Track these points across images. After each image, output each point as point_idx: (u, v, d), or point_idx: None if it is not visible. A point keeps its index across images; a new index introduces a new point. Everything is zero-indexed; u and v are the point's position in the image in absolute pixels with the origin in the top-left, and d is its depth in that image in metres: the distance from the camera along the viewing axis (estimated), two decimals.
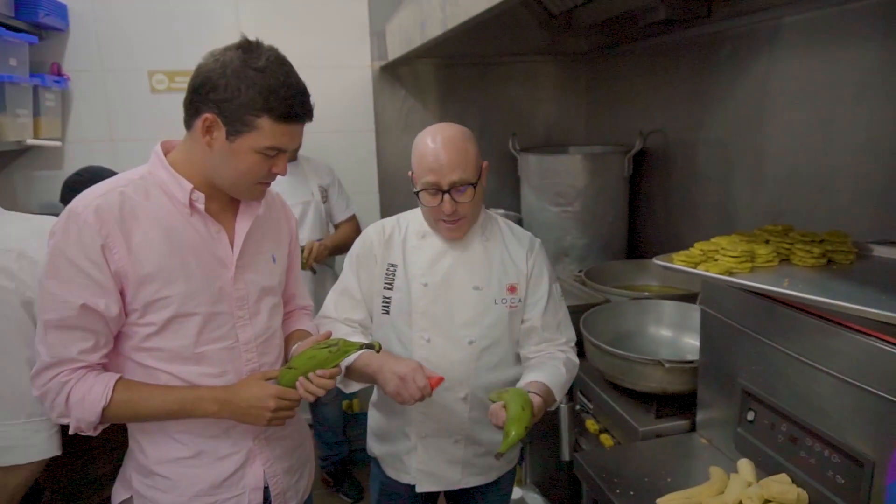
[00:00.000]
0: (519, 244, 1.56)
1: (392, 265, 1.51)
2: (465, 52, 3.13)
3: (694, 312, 1.94)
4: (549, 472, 2.27)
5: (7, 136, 2.33)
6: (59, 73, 2.75)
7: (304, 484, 1.45)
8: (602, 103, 3.23)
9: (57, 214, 1.22)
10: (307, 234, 2.56)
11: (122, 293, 1.16)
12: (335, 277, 2.67)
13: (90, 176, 2.02)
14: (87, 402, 1.15)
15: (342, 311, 1.53)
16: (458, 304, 1.49)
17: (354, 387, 1.48)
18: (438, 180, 1.40)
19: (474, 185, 1.43)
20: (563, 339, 1.57)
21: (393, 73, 3.15)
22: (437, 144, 1.41)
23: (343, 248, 2.66)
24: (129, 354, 1.22)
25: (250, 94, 1.12)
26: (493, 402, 1.34)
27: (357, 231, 2.73)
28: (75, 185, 2.02)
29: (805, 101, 1.90)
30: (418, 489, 1.56)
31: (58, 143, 2.74)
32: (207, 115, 1.14)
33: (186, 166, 1.21)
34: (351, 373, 1.44)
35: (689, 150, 2.52)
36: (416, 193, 1.46)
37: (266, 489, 1.33)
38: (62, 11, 2.69)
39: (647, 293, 2.30)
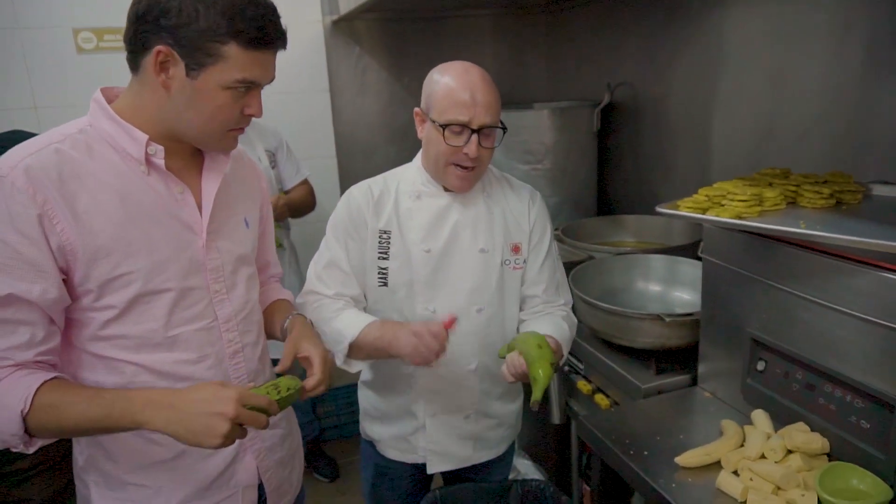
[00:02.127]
0: (518, 198, 1.45)
1: (385, 232, 1.36)
2: (417, 7, 2.95)
3: (682, 266, 1.90)
4: (538, 437, 2.21)
5: None
6: None
7: (297, 476, 1.32)
8: (564, 57, 3.12)
9: None
10: None
11: (66, 272, 0.97)
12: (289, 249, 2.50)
13: (16, 140, 1.79)
14: (5, 410, 0.92)
15: (331, 286, 1.37)
16: (464, 270, 1.37)
17: (358, 366, 1.34)
18: (470, 119, 1.26)
19: (503, 130, 1.31)
20: (561, 301, 1.49)
21: (346, 29, 2.95)
22: (473, 78, 1.27)
23: (299, 209, 2.48)
24: (84, 346, 1.02)
25: (211, 15, 0.93)
26: (504, 356, 1.24)
27: (312, 194, 2.56)
28: None
29: (774, 47, 1.86)
30: (430, 470, 1.46)
31: None
32: (160, 47, 0.94)
33: (137, 115, 1.01)
34: (359, 350, 1.29)
35: (658, 104, 2.46)
36: (437, 130, 1.29)
37: (260, 486, 1.18)
38: None
39: (628, 248, 2.24)
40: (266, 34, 0.98)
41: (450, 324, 1.23)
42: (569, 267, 1.93)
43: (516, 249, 1.41)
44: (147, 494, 1.08)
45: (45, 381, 0.94)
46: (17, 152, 0.96)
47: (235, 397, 0.93)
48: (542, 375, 1.16)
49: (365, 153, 3.06)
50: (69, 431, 0.97)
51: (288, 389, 1.05)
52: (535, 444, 2.24)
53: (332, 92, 2.97)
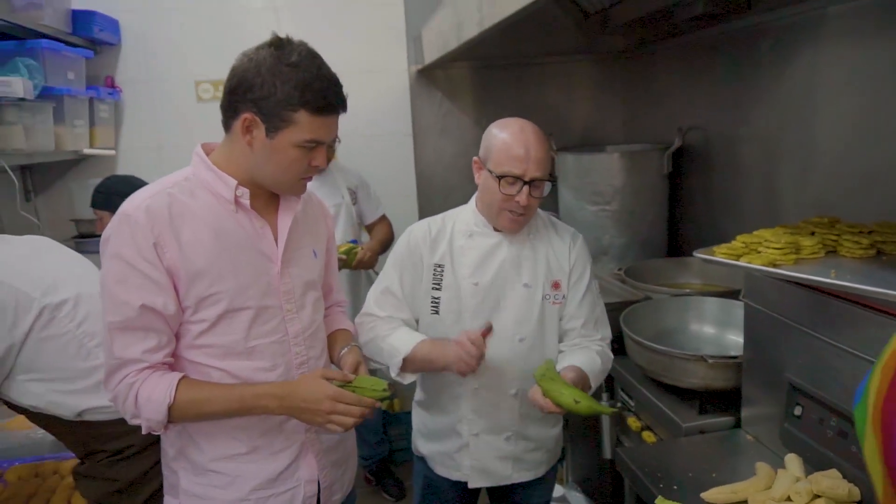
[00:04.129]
0: (561, 240, 1.57)
1: (439, 265, 1.53)
2: (501, 54, 3.15)
3: (738, 309, 1.91)
4: (590, 471, 2.26)
5: (66, 146, 2.45)
6: (113, 86, 2.88)
7: (349, 477, 1.48)
8: (640, 101, 3.20)
9: None
10: (340, 234, 2.61)
11: (175, 290, 1.20)
12: (369, 279, 2.72)
13: (116, 181, 2.21)
14: (153, 402, 1.17)
15: (385, 309, 1.55)
16: (508, 302, 1.51)
17: (410, 378, 1.50)
18: (524, 172, 1.42)
19: (552, 182, 1.46)
20: (598, 336, 1.57)
21: (430, 76, 3.19)
22: (528, 136, 1.44)
23: (385, 245, 2.71)
24: (181, 353, 1.25)
25: (286, 89, 1.14)
26: (536, 377, 1.37)
27: (391, 229, 2.78)
28: (100, 189, 2.18)
29: (852, 92, 1.86)
30: (471, 485, 1.58)
31: (112, 152, 2.88)
32: (246, 114, 1.17)
33: (228, 165, 1.24)
34: (411, 363, 1.46)
35: (730, 146, 2.48)
36: (493, 179, 1.44)
37: (318, 482, 1.36)
38: (114, 27, 2.82)
39: (687, 290, 2.27)
40: (329, 103, 1.19)
41: (486, 332, 1.37)
42: (624, 306, 2.00)
43: (556, 286, 1.53)
44: (226, 481, 1.29)
45: (179, 380, 1.20)
46: (139, 195, 1.22)
47: (331, 396, 1.20)
48: (564, 397, 1.28)
49: (443, 192, 3.26)
50: (206, 416, 1.24)
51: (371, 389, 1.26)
52: (588, 479, 2.28)
53: (414, 135, 3.21)
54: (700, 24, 2.48)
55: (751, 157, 2.37)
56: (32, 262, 1.57)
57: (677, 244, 2.89)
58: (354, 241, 2.60)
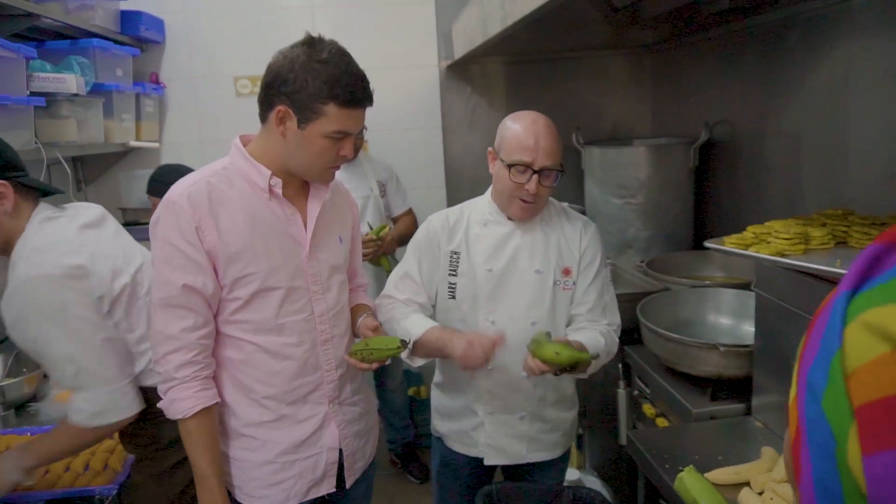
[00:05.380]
0: (573, 227, 1.63)
1: (456, 253, 1.60)
2: (529, 49, 3.19)
3: (754, 300, 1.94)
4: (607, 456, 2.31)
5: (114, 139, 2.61)
6: (157, 82, 3.03)
7: (370, 448, 1.58)
8: (668, 95, 3.21)
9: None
10: (365, 226, 2.71)
11: (214, 271, 1.31)
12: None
13: (168, 170, 2.39)
14: (173, 408, 1.30)
15: (404, 292, 1.64)
16: (521, 288, 1.57)
17: (419, 362, 1.58)
18: (532, 160, 1.48)
19: (560, 172, 1.52)
20: (605, 321, 1.61)
21: (459, 71, 3.26)
22: (539, 127, 1.50)
23: (404, 238, 2.79)
24: (219, 328, 1.36)
25: (317, 84, 1.23)
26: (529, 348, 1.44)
27: (414, 223, 2.86)
28: (155, 178, 2.39)
29: (880, 87, 1.85)
30: (486, 462, 1.65)
31: (156, 145, 3.04)
32: (280, 107, 1.26)
33: (263, 156, 1.34)
34: (420, 348, 1.53)
35: (757, 140, 2.48)
36: (505, 168, 1.51)
37: (339, 450, 1.45)
38: (160, 26, 2.97)
39: (708, 282, 2.29)
40: (356, 97, 1.28)
41: (499, 341, 1.43)
42: (642, 296, 2.04)
43: (567, 272, 1.58)
44: (256, 444, 1.40)
45: (204, 408, 1.30)
46: (182, 184, 1.33)
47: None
48: (546, 350, 1.36)
49: (471, 184, 3.32)
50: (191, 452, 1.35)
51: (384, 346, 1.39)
52: (604, 465, 2.33)
53: (444, 128, 3.29)
54: (728, 18, 2.48)
55: (777, 152, 2.37)
56: (121, 238, 1.59)
57: (702, 238, 2.89)
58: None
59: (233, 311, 1.34)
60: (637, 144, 3.01)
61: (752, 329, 1.91)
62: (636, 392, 2.04)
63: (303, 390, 1.40)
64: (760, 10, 2.30)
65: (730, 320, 1.99)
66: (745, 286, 2.05)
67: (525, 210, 1.54)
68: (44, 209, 1.42)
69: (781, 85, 2.30)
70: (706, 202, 2.87)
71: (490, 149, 1.60)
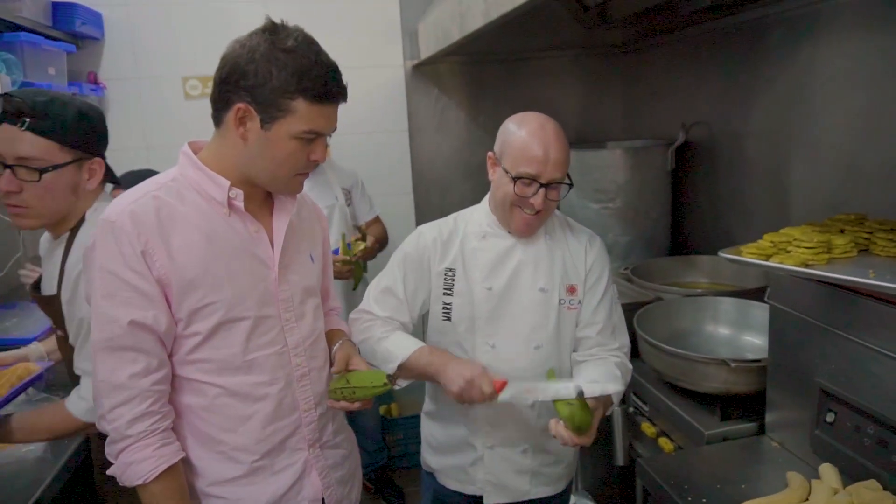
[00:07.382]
0: (578, 241, 1.49)
1: (451, 269, 1.44)
2: (497, 49, 3.07)
3: (754, 309, 1.86)
4: (601, 478, 2.19)
5: None
6: (96, 82, 2.75)
7: (356, 495, 1.39)
8: (640, 96, 3.14)
9: None
10: (334, 235, 2.53)
11: (167, 302, 1.10)
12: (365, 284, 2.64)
13: (134, 177, 2.07)
14: (130, 472, 1.09)
15: (385, 309, 1.46)
16: (524, 308, 1.42)
17: (403, 383, 1.41)
18: (540, 173, 1.33)
19: (569, 185, 1.38)
20: (615, 345, 1.48)
21: (425, 72, 3.10)
22: (547, 135, 1.34)
23: (382, 246, 2.63)
24: (175, 370, 1.15)
25: (282, 76, 1.05)
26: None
27: (385, 231, 2.70)
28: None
29: (859, 85, 1.81)
30: (486, 501, 1.49)
31: None
32: (239, 104, 1.07)
33: (219, 164, 1.14)
34: (407, 371, 1.36)
35: (735, 142, 2.42)
36: (508, 179, 1.36)
37: (323, 501, 1.27)
38: (98, 20, 2.70)
39: (699, 290, 2.20)
40: (328, 91, 1.09)
41: (500, 387, 1.27)
42: (635, 307, 1.93)
43: (572, 290, 1.44)
44: None
45: (169, 468, 1.10)
46: (121, 200, 1.11)
47: None
48: (576, 420, 1.23)
49: (441, 189, 3.18)
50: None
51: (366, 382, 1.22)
52: (599, 486, 2.21)
53: (410, 131, 3.12)
54: (704, 17, 2.42)
55: (756, 153, 2.31)
56: None
57: (681, 242, 2.83)
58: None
59: (191, 349, 1.13)
60: (611, 147, 2.92)
61: (753, 340, 1.84)
62: (632, 409, 1.93)
63: (278, 436, 1.21)
64: (737, 10, 2.24)
65: (729, 330, 1.89)
66: (739, 294, 1.97)
67: (527, 224, 1.39)
68: (107, 196, 1.42)
69: (758, 85, 2.24)
70: (684, 205, 2.80)
71: (490, 153, 1.44)
